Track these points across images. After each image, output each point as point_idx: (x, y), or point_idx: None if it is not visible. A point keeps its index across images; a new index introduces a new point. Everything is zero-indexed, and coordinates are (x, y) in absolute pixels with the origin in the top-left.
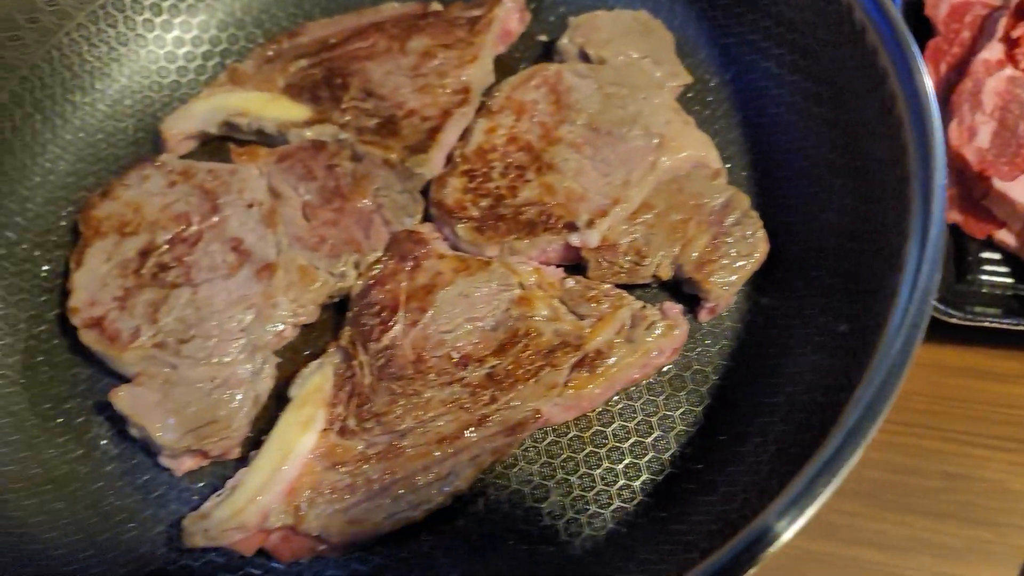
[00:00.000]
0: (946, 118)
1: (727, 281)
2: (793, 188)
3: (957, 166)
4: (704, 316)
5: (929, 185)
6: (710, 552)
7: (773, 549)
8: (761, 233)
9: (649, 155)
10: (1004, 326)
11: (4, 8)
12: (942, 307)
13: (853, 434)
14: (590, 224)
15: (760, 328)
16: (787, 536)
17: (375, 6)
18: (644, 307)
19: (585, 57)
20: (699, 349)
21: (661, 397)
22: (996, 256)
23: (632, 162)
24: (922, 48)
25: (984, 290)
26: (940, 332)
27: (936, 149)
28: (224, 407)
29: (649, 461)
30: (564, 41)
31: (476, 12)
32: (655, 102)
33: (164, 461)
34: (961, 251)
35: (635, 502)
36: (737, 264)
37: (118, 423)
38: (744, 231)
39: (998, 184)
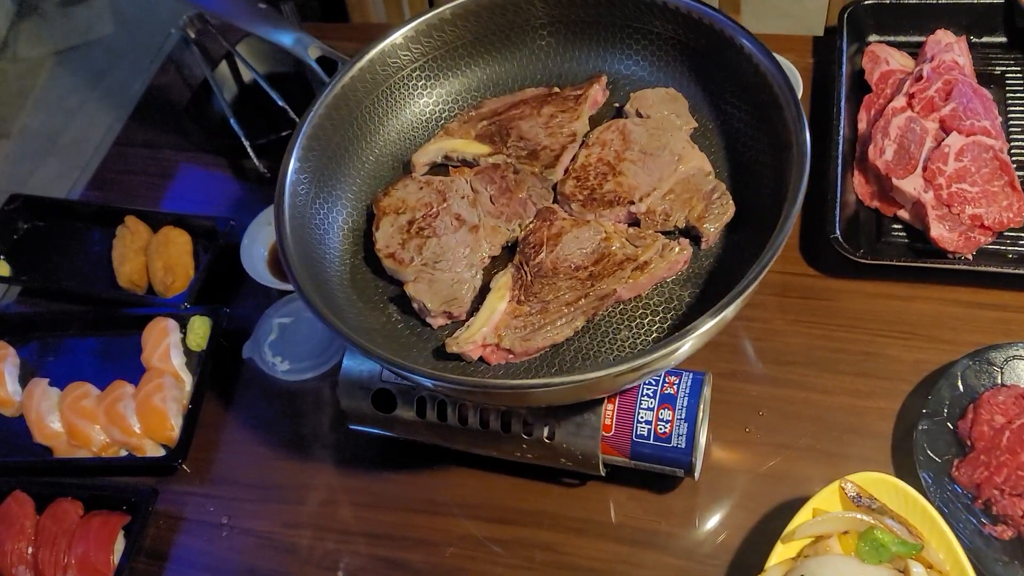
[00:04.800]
0: (868, 142)
1: (713, 226)
2: (747, 180)
3: (875, 172)
4: (703, 245)
5: (800, 181)
6: (687, 332)
7: (706, 331)
8: (731, 202)
9: (673, 165)
10: (901, 263)
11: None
12: (865, 256)
13: (751, 283)
14: (641, 200)
15: (730, 249)
16: (713, 322)
17: (521, 90)
18: (669, 240)
19: (639, 114)
20: (698, 262)
21: (678, 285)
22: (899, 226)
23: (664, 169)
24: (860, 101)
25: (892, 246)
26: (863, 272)
27: (805, 164)
28: (459, 292)
29: (672, 314)
30: (627, 106)
31: (578, 92)
32: (676, 137)
33: (429, 320)
34: (879, 224)
35: (663, 332)
36: (718, 217)
37: (401, 305)
38: (722, 201)
39: (896, 182)
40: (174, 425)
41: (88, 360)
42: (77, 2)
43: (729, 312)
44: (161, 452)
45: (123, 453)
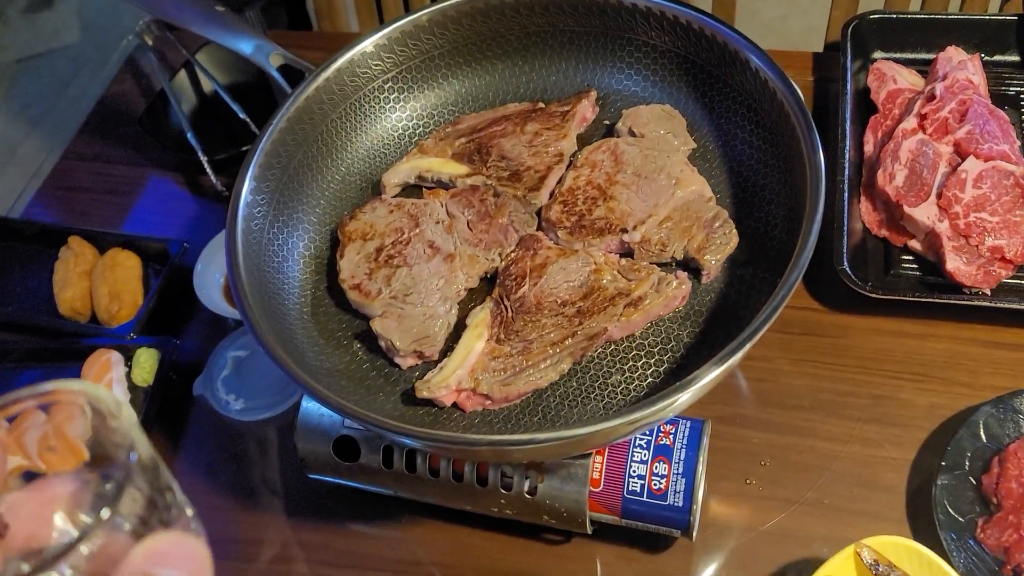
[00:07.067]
0: (876, 167)
1: (715, 258)
2: (753, 206)
3: (883, 199)
4: (703, 280)
5: (815, 208)
6: (689, 382)
7: (709, 380)
8: (734, 231)
9: (670, 190)
10: (914, 299)
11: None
12: (874, 290)
13: (761, 326)
14: (634, 228)
15: (734, 285)
16: (717, 372)
17: (503, 105)
18: (666, 273)
19: (632, 133)
20: (698, 298)
21: (675, 324)
22: (910, 257)
23: (660, 194)
24: (866, 121)
25: (902, 278)
26: (872, 307)
27: (820, 188)
28: (431, 329)
29: (669, 356)
30: (619, 124)
31: (565, 107)
32: (674, 158)
33: (397, 360)
34: (887, 254)
35: (658, 376)
36: (720, 249)
37: (367, 342)
38: (724, 230)
39: (908, 210)
40: None
41: None
42: (43, 8)
43: (736, 359)
44: None
45: None
